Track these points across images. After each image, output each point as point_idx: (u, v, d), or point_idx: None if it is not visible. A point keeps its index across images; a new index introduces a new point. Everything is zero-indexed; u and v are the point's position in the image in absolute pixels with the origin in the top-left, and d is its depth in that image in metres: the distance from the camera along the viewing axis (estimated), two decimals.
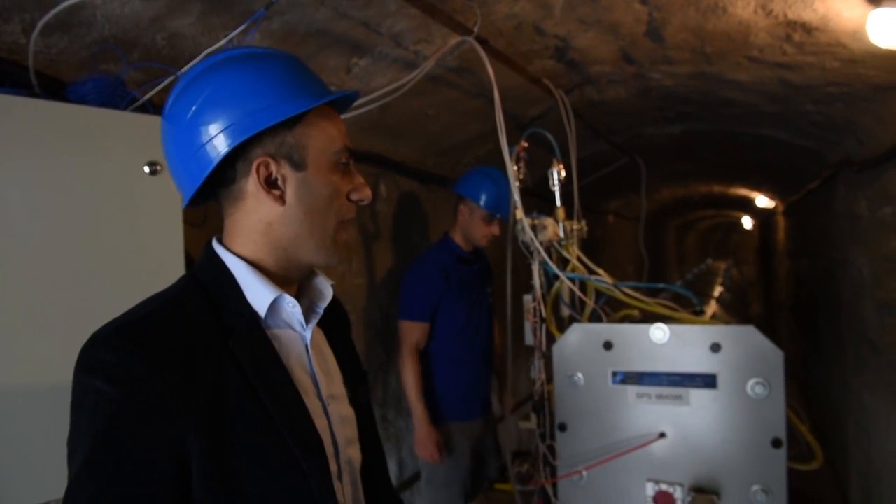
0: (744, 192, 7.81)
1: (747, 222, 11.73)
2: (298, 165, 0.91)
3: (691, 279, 5.22)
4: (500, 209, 2.69)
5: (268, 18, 1.79)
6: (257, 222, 0.92)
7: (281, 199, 0.91)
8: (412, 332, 2.66)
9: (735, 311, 3.99)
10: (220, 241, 0.96)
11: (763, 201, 7.81)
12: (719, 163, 5.63)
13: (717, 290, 4.22)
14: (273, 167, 0.90)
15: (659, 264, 10.16)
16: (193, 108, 0.89)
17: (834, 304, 4.19)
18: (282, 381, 0.90)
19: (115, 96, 1.53)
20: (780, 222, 7.64)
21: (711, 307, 3.14)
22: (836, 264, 4.07)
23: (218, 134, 0.87)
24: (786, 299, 7.44)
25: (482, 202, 2.72)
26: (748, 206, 9.29)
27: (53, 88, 1.52)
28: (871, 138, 2.99)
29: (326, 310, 1.03)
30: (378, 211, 3.22)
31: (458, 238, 2.83)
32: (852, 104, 2.80)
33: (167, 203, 1.55)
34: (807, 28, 2.12)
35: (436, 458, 2.59)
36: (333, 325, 1.09)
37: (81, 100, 1.49)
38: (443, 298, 2.69)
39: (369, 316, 3.10)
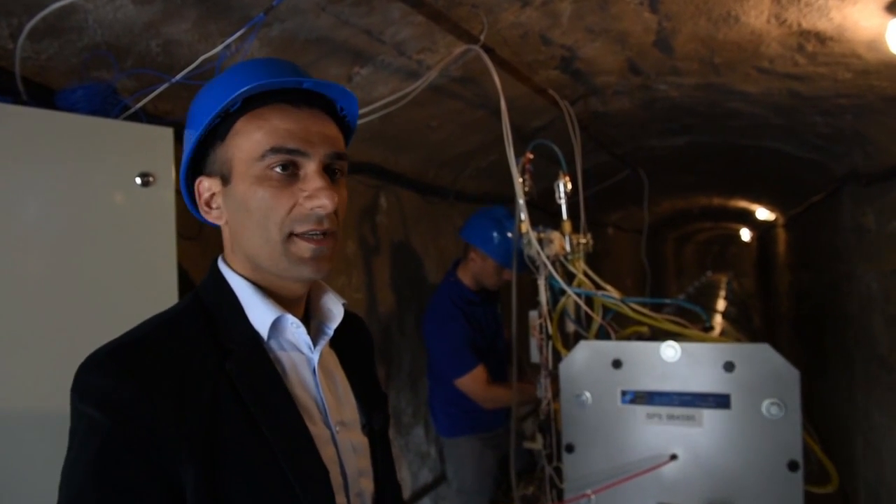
0: (743, 204, 7.80)
1: (745, 234, 11.75)
2: (226, 179, 0.86)
3: (693, 292, 5.18)
4: (511, 261, 2.56)
5: (267, 25, 1.75)
6: (228, 239, 0.91)
7: (220, 216, 0.89)
8: (476, 381, 2.61)
9: (741, 326, 3.94)
10: (225, 260, 0.92)
11: (763, 214, 7.80)
12: (721, 175, 5.62)
13: (722, 305, 4.18)
14: (206, 185, 0.88)
15: (657, 277, 10.13)
16: None
17: (840, 318, 4.14)
18: (282, 406, 0.84)
19: (106, 104, 1.48)
20: (781, 235, 7.62)
21: (718, 322, 3.09)
22: (842, 278, 4.03)
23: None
24: (786, 312, 7.40)
25: (494, 256, 2.66)
26: (747, 219, 9.31)
27: (41, 95, 1.47)
28: (880, 151, 2.95)
29: (340, 330, 0.96)
30: (378, 223, 3.17)
31: (466, 279, 2.77)
32: (862, 116, 2.76)
33: (160, 215, 1.51)
34: (821, 38, 2.08)
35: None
36: (349, 346, 1.03)
37: (71, 107, 1.44)
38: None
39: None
